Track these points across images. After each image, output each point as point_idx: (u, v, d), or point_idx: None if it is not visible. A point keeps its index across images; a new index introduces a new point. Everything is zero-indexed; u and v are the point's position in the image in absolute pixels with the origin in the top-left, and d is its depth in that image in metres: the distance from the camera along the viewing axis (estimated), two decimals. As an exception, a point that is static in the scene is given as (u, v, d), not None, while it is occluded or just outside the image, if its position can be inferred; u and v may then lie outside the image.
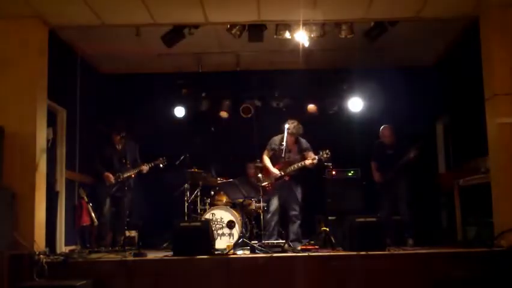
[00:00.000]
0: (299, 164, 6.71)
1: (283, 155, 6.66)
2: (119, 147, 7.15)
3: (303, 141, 6.85)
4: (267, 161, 6.95)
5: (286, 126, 6.73)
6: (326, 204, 7.53)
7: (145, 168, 7.11)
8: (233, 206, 7.27)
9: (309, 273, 5.21)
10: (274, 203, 6.80)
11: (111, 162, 7.07)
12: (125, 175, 7.02)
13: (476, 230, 6.05)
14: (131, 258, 5.46)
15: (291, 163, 6.77)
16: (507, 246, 5.37)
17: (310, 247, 6.24)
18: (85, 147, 7.77)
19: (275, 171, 6.81)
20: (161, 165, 7.20)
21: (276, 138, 6.96)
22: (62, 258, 5.44)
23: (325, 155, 6.61)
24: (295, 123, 6.81)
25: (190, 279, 5.19)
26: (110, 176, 6.94)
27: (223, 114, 8.74)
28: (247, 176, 8.00)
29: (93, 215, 7.44)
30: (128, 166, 7.04)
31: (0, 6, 5.76)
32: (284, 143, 6.60)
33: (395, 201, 7.18)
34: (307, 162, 6.63)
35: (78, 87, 7.85)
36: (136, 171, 7.12)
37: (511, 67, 5.92)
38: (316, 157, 6.64)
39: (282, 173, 6.77)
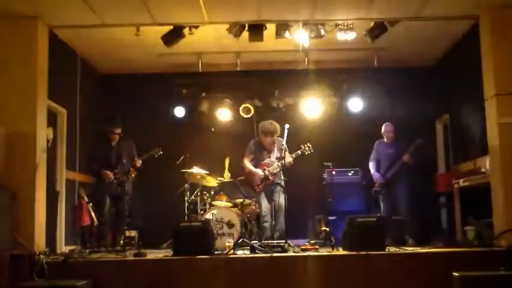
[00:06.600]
0: (281, 162, 6.82)
1: (271, 158, 6.92)
2: (115, 144, 7.11)
3: (280, 140, 6.90)
4: (249, 164, 7.10)
5: (267, 126, 6.90)
6: (326, 204, 7.54)
7: (139, 161, 7.09)
8: (233, 206, 7.27)
9: (309, 273, 5.21)
10: (264, 204, 6.92)
11: (108, 160, 7.05)
12: (124, 170, 7.00)
13: (476, 230, 6.05)
14: (131, 258, 5.46)
15: (272, 163, 6.92)
16: (507, 246, 5.38)
17: (310, 247, 6.23)
18: (85, 147, 7.77)
19: (259, 171, 6.94)
20: (156, 155, 7.16)
21: (254, 142, 7.13)
22: (62, 258, 5.45)
23: (307, 148, 6.78)
24: (273, 122, 6.95)
25: (190, 279, 5.19)
26: (109, 173, 6.92)
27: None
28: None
29: (93, 215, 7.44)
30: (125, 163, 7.02)
31: (1, 6, 5.77)
32: (284, 143, 6.63)
33: (395, 201, 7.19)
34: (287, 160, 6.72)
35: (78, 87, 7.86)
36: (131, 165, 7.09)
37: (511, 67, 5.93)
38: (299, 152, 6.81)
39: (267, 174, 6.89)
